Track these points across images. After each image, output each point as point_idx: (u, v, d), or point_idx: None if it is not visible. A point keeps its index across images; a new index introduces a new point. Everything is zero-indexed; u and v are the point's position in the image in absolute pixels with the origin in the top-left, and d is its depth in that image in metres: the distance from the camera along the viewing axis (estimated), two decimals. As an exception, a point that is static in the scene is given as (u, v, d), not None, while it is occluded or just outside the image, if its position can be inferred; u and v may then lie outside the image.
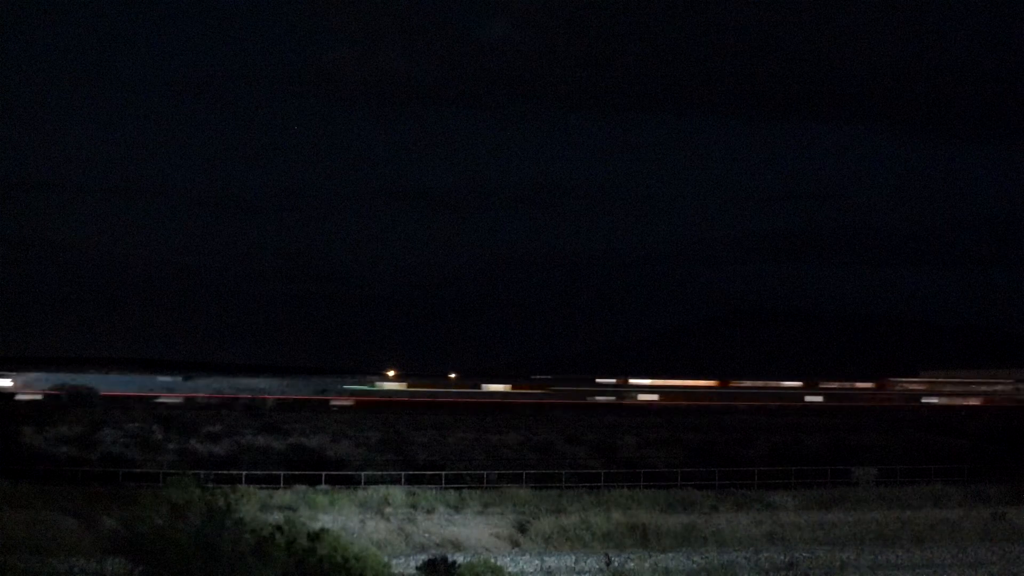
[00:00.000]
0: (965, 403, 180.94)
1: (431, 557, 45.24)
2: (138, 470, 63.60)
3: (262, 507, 41.77)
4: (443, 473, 65.03)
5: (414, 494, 55.87)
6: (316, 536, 37.73)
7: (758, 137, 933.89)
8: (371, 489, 56.25)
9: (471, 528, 51.13)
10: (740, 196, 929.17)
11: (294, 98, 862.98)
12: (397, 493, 55.43)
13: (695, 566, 50.54)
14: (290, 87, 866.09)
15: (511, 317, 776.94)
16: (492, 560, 44.47)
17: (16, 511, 45.70)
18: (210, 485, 46.56)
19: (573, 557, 49.66)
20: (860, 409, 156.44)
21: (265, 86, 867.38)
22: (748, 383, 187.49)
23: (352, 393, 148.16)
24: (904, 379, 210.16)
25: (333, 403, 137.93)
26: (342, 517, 49.51)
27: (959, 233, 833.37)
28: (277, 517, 40.88)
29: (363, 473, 63.73)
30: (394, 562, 42.70)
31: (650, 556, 50.28)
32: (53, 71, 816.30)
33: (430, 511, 52.82)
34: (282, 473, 62.35)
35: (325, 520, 46.93)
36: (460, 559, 44.88)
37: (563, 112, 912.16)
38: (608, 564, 49.46)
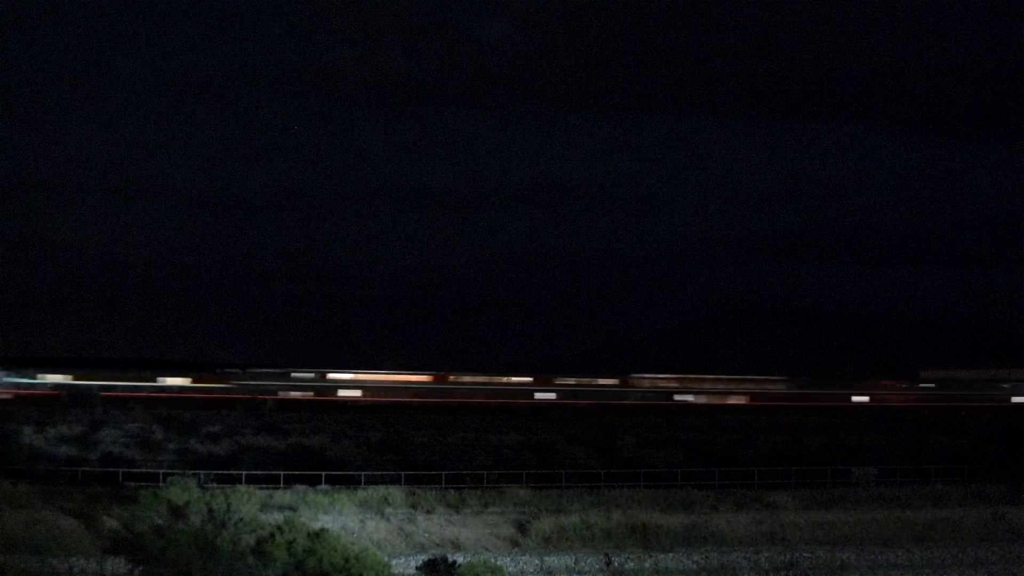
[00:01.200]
0: (724, 402, 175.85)
1: (431, 557, 45.24)
2: (138, 470, 63.62)
3: (262, 507, 41.73)
4: (443, 473, 65.02)
5: (414, 494, 55.87)
6: (316, 536, 37.72)
7: (758, 137, 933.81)
8: (371, 489, 56.25)
9: (471, 528, 51.12)
10: (740, 196, 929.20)
11: (294, 98, 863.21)
12: (397, 493, 55.43)
13: (695, 566, 50.54)
14: (290, 87, 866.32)
15: (511, 317, 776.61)
16: (492, 560, 44.47)
17: (16, 511, 45.71)
18: (210, 485, 46.60)
19: (573, 557, 49.64)
20: (598, 407, 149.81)
21: (265, 86, 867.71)
22: (469, 378, 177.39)
23: (10, 387, 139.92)
24: (656, 375, 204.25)
25: None
26: (342, 517, 49.50)
27: (959, 233, 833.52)
28: (277, 517, 40.85)
29: (363, 473, 63.73)
30: (394, 562, 42.70)
31: (650, 556, 50.28)
32: (53, 71, 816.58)
33: (430, 511, 52.81)
34: (282, 473, 62.36)
35: (325, 520, 46.92)
36: (460, 559, 44.86)
37: (563, 112, 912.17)
38: (608, 564, 49.45)
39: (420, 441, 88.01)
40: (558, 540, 50.83)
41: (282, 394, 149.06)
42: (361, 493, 54.65)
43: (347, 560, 36.45)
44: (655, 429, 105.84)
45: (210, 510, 38.66)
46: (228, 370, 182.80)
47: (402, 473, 64.30)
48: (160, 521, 38.62)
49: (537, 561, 48.96)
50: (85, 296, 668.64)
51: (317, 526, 40.44)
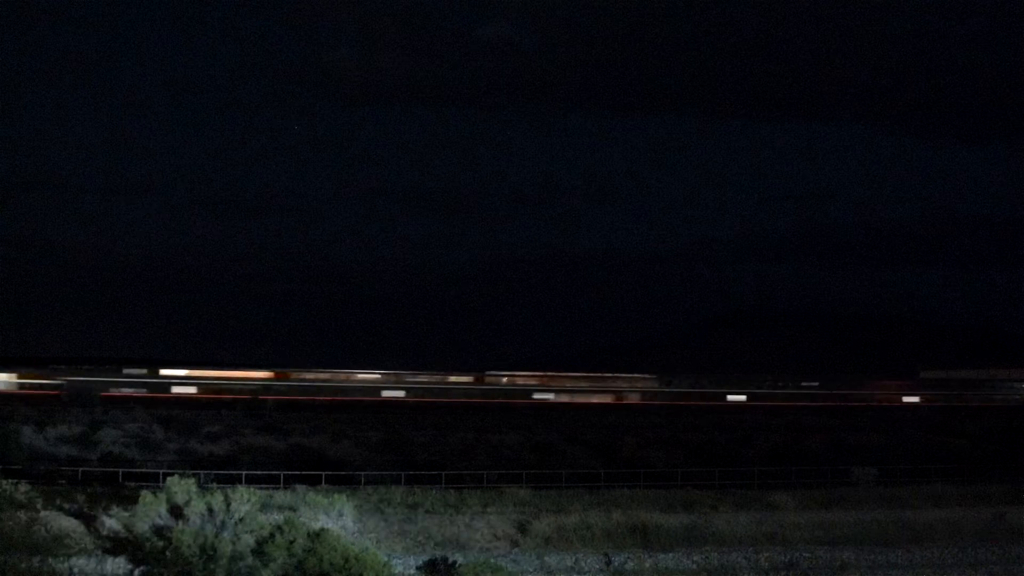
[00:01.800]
0: (588, 401, 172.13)
1: (431, 557, 45.23)
2: (138, 470, 63.64)
3: (262, 507, 41.72)
4: (443, 473, 65.04)
5: (414, 494, 55.87)
6: (316, 536, 37.69)
7: (758, 137, 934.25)
8: (371, 489, 56.25)
9: (471, 528, 51.11)
10: (740, 196, 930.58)
11: (294, 98, 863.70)
12: (397, 493, 55.42)
13: (695, 566, 50.50)
14: (290, 87, 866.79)
15: (511, 317, 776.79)
16: (492, 560, 44.45)
17: (16, 511, 45.69)
18: (210, 485, 46.57)
19: (573, 557, 49.62)
20: (447, 405, 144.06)
21: (265, 86, 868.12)
22: (312, 375, 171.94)
23: None
24: (514, 372, 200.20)
25: None
26: (342, 517, 49.47)
27: (959, 233, 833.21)
28: (277, 517, 40.83)
29: (363, 473, 63.75)
30: (394, 562, 42.66)
31: (650, 556, 50.25)
32: (53, 71, 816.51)
33: (430, 511, 52.80)
34: (282, 473, 62.38)
35: (325, 520, 46.89)
36: (460, 559, 44.85)
37: (563, 112, 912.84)
38: (608, 564, 49.44)
39: (420, 441, 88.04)
40: (558, 540, 50.81)
41: (114, 391, 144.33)
42: (361, 493, 54.63)
43: (347, 560, 36.42)
44: (655, 429, 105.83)
45: (210, 510, 38.63)
46: (55, 366, 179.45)
47: (402, 473, 64.31)
48: (160, 521, 38.60)
49: (537, 561, 48.94)
50: (85, 296, 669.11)
51: (317, 526, 40.42)
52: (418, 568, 44.44)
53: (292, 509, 48.01)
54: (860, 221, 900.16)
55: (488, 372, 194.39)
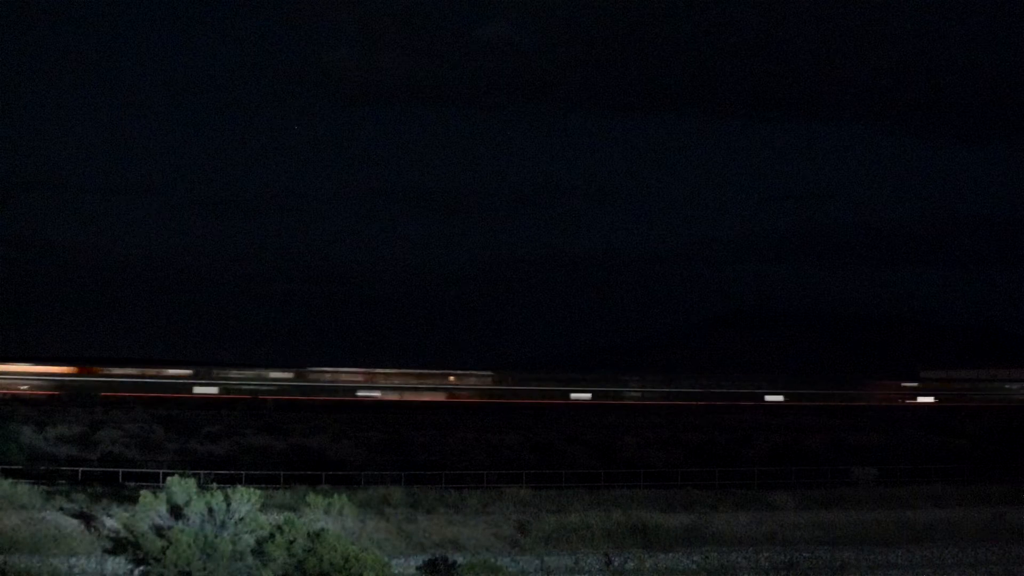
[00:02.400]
0: (418, 399, 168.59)
1: (431, 557, 45.22)
2: (138, 470, 63.63)
3: (262, 507, 41.71)
4: (443, 473, 65.04)
5: (414, 494, 55.85)
6: (316, 536, 37.68)
7: (758, 137, 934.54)
8: (371, 489, 56.23)
9: (471, 528, 51.07)
10: (740, 196, 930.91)
11: (294, 98, 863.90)
12: (397, 493, 55.39)
13: (695, 566, 50.46)
14: (290, 87, 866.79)
15: (511, 317, 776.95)
16: (492, 560, 44.43)
17: (16, 511, 45.70)
18: (210, 485, 46.56)
19: (573, 557, 49.58)
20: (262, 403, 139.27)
21: (265, 86, 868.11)
22: (119, 370, 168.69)
23: None
24: (337, 369, 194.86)
25: None
26: (342, 517, 49.46)
27: (959, 233, 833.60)
28: (277, 517, 40.82)
29: (363, 473, 63.75)
30: (394, 562, 42.66)
31: (650, 556, 50.21)
32: (53, 71, 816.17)
33: (430, 511, 52.78)
34: (282, 473, 62.38)
35: (325, 520, 46.88)
36: (460, 559, 44.83)
37: (563, 112, 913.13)
38: (608, 564, 49.42)
39: (420, 441, 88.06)
40: (558, 540, 50.77)
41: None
42: (361, 493, 54.60)
43: (347, 560, 36.41)
44: (655, 429, 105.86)
45: (210, 510, 38.62)
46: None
47: (402, 473, 64.31)
48: (160, 521, 38.59)
49: (537, 561, 48.90)
50: (85, 296, 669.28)
51: (317, 526, 40.40)
52: (418, 568, 44.42)
53: (292, 509, 48.00)
54: (860, 221, 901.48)
55: (311, 368, 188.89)
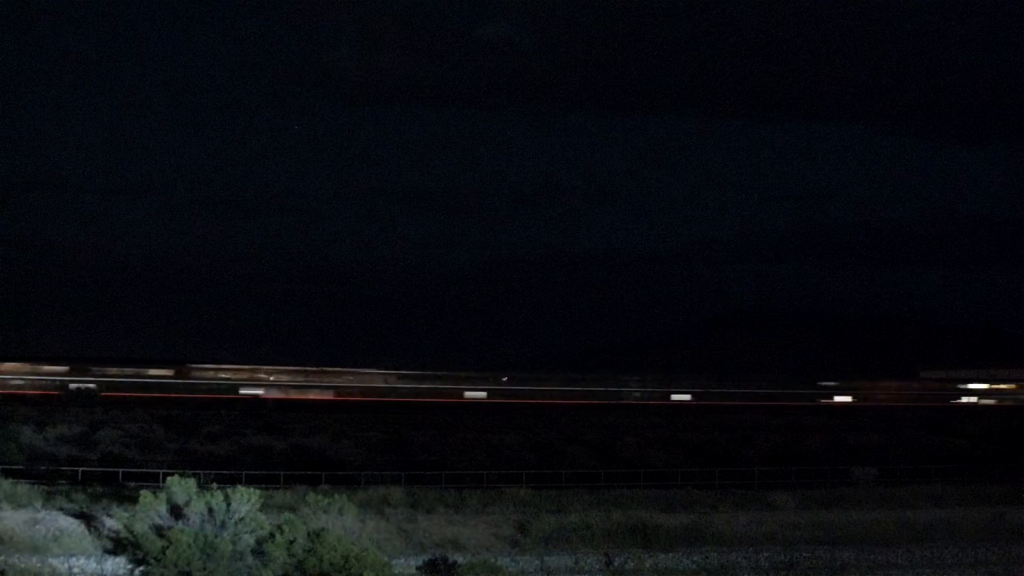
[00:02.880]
0: (304, 397, 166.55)
1: (431, 557, 45.21)
2: (138, 470, 63.62)
3: (262, 507, 41.71)
4: (443, 473, 65.04)
5: (414, 494, 55.84)
6: (316, 536, 37.68)
7: (758, 137, 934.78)
8: (371, 489, 56.22)
9: (471, 528, 51.06)
10: (740, 196, 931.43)
11: (294, 98, 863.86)
12: (397, 493, 55.38)
13: (695, 566, 50.45)
14: (290, 87, 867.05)
15: (511, 317, 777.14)
16: (492, 560, 44.42)
17: (16, 511, 45.69)
18: (210, 485, 46.57)
19: (573, 557, 49.55)
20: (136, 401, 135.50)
21: (265, 86, 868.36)
22: None
23: None
24: (220, 366, 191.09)
25: None
26: (342, 517, 49.45)
27: (959, 233, 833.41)
28: (277, 517, 40.82)
29: (363, 473, 63.75)
30: (394, 562, 42.65)
31: (650, 556, 50.20)
32: (53, 71, 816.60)
33: (430, 511, 52.78)
34: (282, 473, 62.38)
35: (325, 520, 46.88)
36: (460, 559, 44.83)
37: (563, 112, 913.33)
38: (608, 564, 49.41)
39: (420, 441, 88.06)
40: (558, 540, 50.76)
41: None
42: (361, 493, 54.59)
43: (347, 560, 36.41)
44: (655, 429, 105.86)
45: (210, 510, 38.60)
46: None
47: (402, 473, 64.31)
48: (160, 521, 38.58)
49: (537, 561, 48.88)
50: (85, 296, 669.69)
51: (317, 526, 40.40)
52: (418, 568, 44.41)
53: (292, 509, 48.01)
54: (860, 221, 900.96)
55: (192, 365, 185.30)
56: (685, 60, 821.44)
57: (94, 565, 41.31)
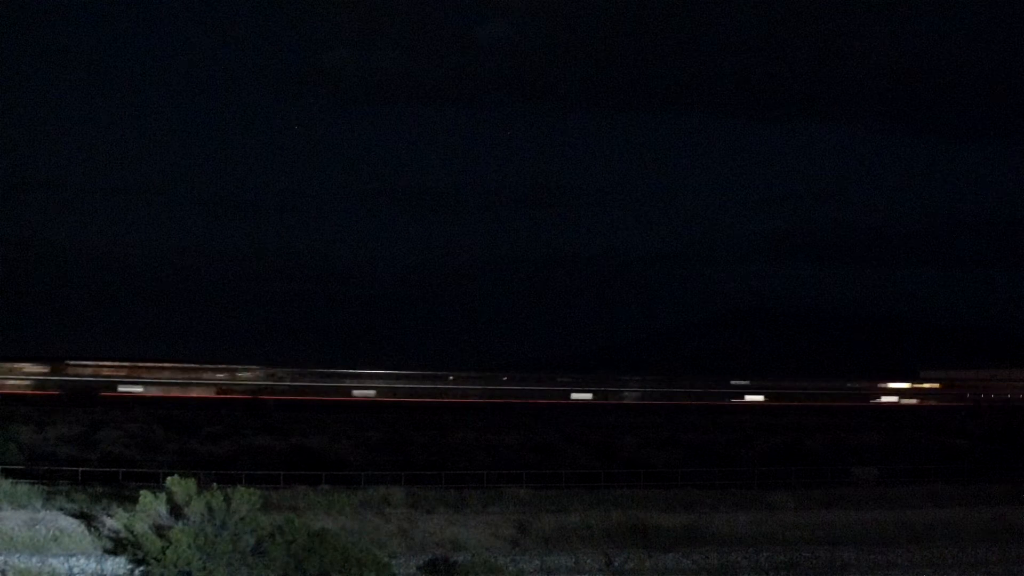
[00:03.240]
0: (185, 395, 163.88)
1: (431, 557, 45.24)
2: (138, 470, 63.60)
3: (262, 507, 41.74)
4: (443, 473, 65.01)
5: (414, 494, 55.84)
6: (316, 536, 37.71)
7: (758, 137, 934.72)
8: (371, 489, 56.23)
9: (471, 528, 51.07)
10: (740, 196, 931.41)
11: (294, 98, 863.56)
12: (397, 493, 55.39)
13: (695, 566, 50.48)
14: (290, 87, 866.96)
15: (511, 317, 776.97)
16: (492, 560, 44.45)
17: (16, 511, 45.71)
18: (212, 484, 46.59)
19: (573, 557, 49.59)
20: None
21: (265, 86, 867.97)
22: None
23: None
24: (98, 363, 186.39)
25: None
26: (342, 517, 49.49)
27: (959, 233, 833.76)
28: (277, 517, 40.84)
29: (363, 473, 63.71)
30: (394, 562, 42.67)
31: (650, 556, 50.24)
32: (53, 71, 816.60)
33: (430, 511, 52.78)
34: (282, 473, 62.35)
35: (325, 520, 46.91)
36: (460, 559, 44.85)
37: (563, 112, 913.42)
38: (608, 564, 49.43)
39: (420, 441, 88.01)
40: (558, 540, 50.79)
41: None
42: (361, 493, 54.62)
43: (347, 560, 36.46)
44: (655, 429, 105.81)
45: (210, 510, 38.60)
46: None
47: (402, 473, 64.28)
48: (160, 521, 38.58)
49: (537, 561, 48.91)
50: (85, 296, 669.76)
51: (317, 526, 40.43)
52: (418, 568, 44.46)
53: (292, 509, 48.02)
54: (860, 221, 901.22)
55: (69, 362, 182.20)
56: (685, 60, 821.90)
57: (94, 565, 41.32)
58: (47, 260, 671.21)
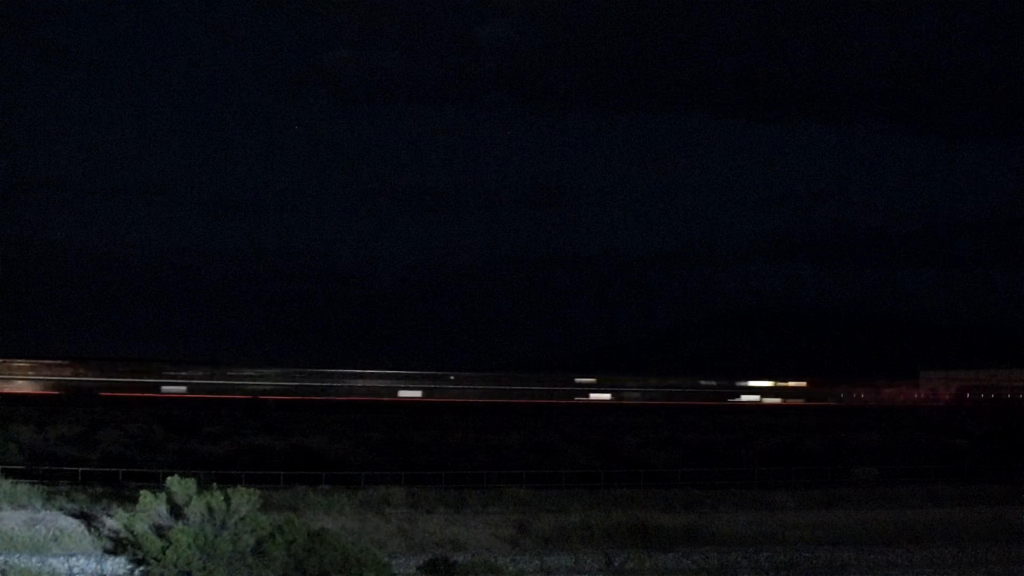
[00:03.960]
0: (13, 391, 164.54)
1: (431, 557, 45.23)
2: (138, 470, 63.61)
3: (262, 507, 41.73)
4: (443, 473, 65.00)
5: (414, 494, 55.85)
6: (316, 536, 37.69)
7: (758, 137, 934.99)
8: (371, 489, 56.23)
9: (471, 528, 51.09)
10: (740, 196, 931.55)
11: (294, 98, 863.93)
12: (397, 493, 55.40)
13: (695, 566, 50.48)
14: (290, 87, 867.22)
15: (512, 317, 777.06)
16: (492, 560, 44.44)
17: (16, 511, 45.71)
18: (211, 485, 46.59)
19: (573, 557, 49.59)
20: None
21: (265, 86, 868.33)
22: None
23: None
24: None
25: None
26: (342, 517, 49.49)
27: (959, 233, 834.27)
28: (277, 517, 40.84)
29: (363, 473, 63.71)
30: (394, 562, 42.66)
31: (650, 556, 50.24)
32: (53, 71, 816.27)
33: (430, 511, 52.80)
34: (282, 473, 62.35)
35: (325, 520, 46.90)
36: (460, 559, 44.85)
37: (563, 112, 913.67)
38: (608, 564, 49.43)
39: (420, 441, 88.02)
40: (558, 540, 50.79)
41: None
42: (361, 493, 54.62)
43: (347, 560, 36.43)
44: (655, 429, 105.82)
45: (210, 510, 38.59)
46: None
47: (402, 473, 64.28)
48: (160, 521, 38.58)
49: (537, 561, 48.91)
50: (85, 296, 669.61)
51: (317, 526, 40.41)
52: (418, 568, 44.44)
53: (292, 509, 48.02)
54: (860, 221, 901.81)
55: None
56: (685, 60, 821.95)
57: (94, 565, 41.33)
58: (47, 260, 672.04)
